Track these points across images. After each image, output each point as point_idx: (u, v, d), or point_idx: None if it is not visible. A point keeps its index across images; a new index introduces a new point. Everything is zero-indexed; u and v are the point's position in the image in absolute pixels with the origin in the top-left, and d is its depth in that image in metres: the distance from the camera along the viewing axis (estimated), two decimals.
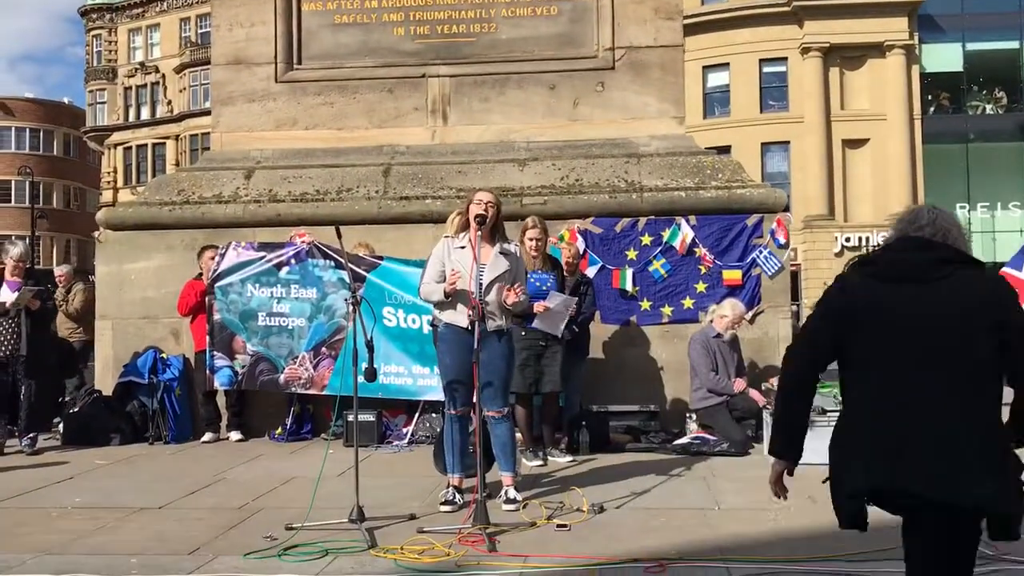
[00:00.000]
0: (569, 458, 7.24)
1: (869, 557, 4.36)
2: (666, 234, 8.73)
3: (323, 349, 8.45)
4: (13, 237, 35.95)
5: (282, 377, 8.50)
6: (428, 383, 8.09)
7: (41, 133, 58.61)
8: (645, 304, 8.75)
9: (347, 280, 6.80)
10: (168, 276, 9.10)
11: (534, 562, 4.44)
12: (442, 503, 5.62)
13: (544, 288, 6.93)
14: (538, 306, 6.84)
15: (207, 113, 33.65)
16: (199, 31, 49.01)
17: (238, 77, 9.89)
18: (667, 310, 8.73)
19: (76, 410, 8.82)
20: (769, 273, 8.67)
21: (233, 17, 9.92)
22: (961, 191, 34.65)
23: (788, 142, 35.71)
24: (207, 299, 8.57)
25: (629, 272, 8.72)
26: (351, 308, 5.43)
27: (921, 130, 35.09)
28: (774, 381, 7.53)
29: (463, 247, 5.67)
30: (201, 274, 8.74)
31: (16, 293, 8.06)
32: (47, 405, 8.83)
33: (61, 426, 8.82)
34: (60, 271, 10.76)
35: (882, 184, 34.14)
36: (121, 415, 8.65)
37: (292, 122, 9.80)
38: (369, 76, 9.73)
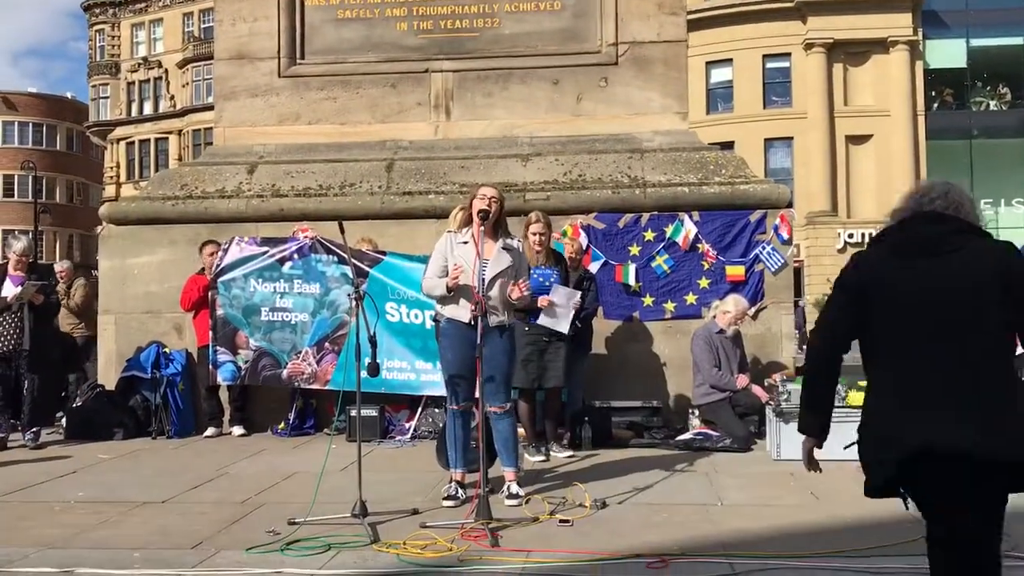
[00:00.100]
0: (568, 454, 7.24)
1: (871, 553, 4.37)
2: (669, 230, 8.72)
3: (326, 344, 8.45)
4: (16, 232, 35.98)
5: (285, 372, 8.51)
6: (431, 378, 8.09)
7: (44, 128, 58.61)
8: (648, 300, 8.74)
9: (350, 275, 6.80)
10: (171, 271, 9.10)
11: (536, 557, 4.44)
12: (444, 498, 5.62)
13: (547, 284, 6.93)
14: (542, 300, 6.84)
15: (210, 108, 33.62)
16: (202, 26, 48.99)
17: (241, 72, 9.88)
18: (670, 306, 8.73)
19: (79, 404, 8.83)
20: (772, 269, 8.66)
21: (236, 12, 9.91)
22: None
23: (791, 138, 35.67)
24: (210, 294, 8.57)
25: (632, 268, 8.72)
26: (354, 303, 5.43)
27: (925, 126, 35.04)
28: (777, 377, 7.54)
29: (466, 242, 5.67)
30: (203, 269, 8.75)
31: (19, 288, 8.06)
32: (50, 399, 8.85)
33: (64, 420, 8.83)
34: (60, 267, 10.77)
35: (885, 180, 34.07)
36: (124, 409, 8.66)
37: (295, 117, 9.79)
38: (372, 71, 9.72)
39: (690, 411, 8.10)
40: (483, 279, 5.51)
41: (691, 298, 8.70)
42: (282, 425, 8.60)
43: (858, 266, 3.13)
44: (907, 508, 3.09)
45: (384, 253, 8.47)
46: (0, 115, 57.60)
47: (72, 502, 5.89)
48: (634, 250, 8.76)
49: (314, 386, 8.50)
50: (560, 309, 6.96)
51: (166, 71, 51.24)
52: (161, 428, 8.59)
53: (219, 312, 8.57)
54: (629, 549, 4.52)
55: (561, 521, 5.11)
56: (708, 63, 36.02)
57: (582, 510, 5.36)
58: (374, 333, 5.33)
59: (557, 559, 4.41)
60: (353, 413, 7.31)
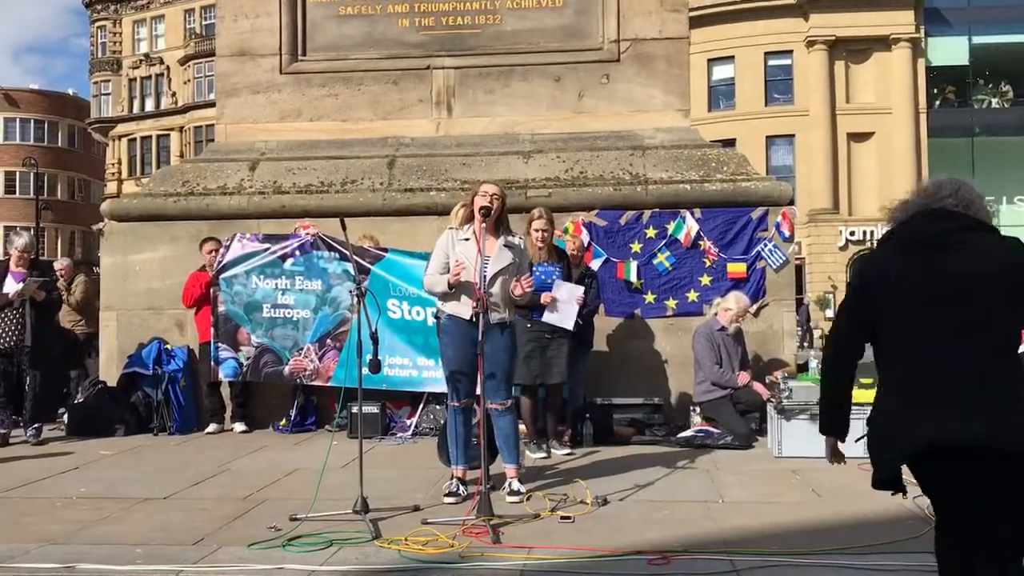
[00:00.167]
0: (566, 451, 7.23)
1: (873, 550, 4.37)
2: (671, 227, 8.72)
3: (328, 341, 8.46)
4: (18, 228, 36.01)
5: (287, 369, 8.51)
6: (432, 375, 8.09)
7: (46, 124, 58.62)
8: (649, 297, 8.74)
9: (352, 272, 6.80)
10: (173, 267, 9.10)
11: (538, 554, 4.44)
12: (446, 495, 5.62)
13: (549, 281, 6.93)
14: (545, 297, 6.84)
15: (211, 105, 33.63)
16: (204, 23, 48.98)
17: (243, 68, 9.88)
18: (671, 303, 8.72)
19: (81, 401, 8.84)
20: (774, 266, 8.65)
21: (238, 8, 9.90)
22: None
23: (793, 135, 35.66)
24: (212, 291, 8.58)
25: (633, 265, 8.71)
26: (356, 300, 5.43)
27: (926, 124, 34.99)
28: (778, 374, 7.55)
29: (467, 239, 5.67)
30: (205, 266, 8.75)
31: (21, 284, 8.07)
32: (52, 396, 8.85)
33: (65, 417, 8.84)
34: (60, 265, 10.76)
35: (887, 178, 34.04)
36: (126, 406, 8.66)
37: (297, 114, 9.79)
38: (374, 68, 9.72)
39: (691, 408, 8.10)
40: (484, 276, 5.51)
41: (693, 295, 8.70)
42: (283, 421, 8.61)
43: (866, 267, 3.17)
44: (904, 496, 3.13)
45: (385, 250, 8.48)
46: (2, 111, 57.63)
47: (74, 498, 5.90)
48: (636, 247, 8.76)
49: (316, 382, 8.50)
50: (564, 305, 6.96)
51: (168, 68, 51.23)
52: (163, 424, 8.60)
53: (221, 309, 8.58)
54: (630, 546, 4.52)
55: (562, 518, 5.11)
56: (710, 60, 35.99)
57: (583, 507, 5.36)
58: (376, 330, 5.33)
59: (558, 556, 4.41)
60: (354, 410, 7.32)
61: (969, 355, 2.90)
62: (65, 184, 58.91)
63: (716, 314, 8.02)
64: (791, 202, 9.06)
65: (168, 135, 50.55)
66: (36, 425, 8.20)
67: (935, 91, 36.20)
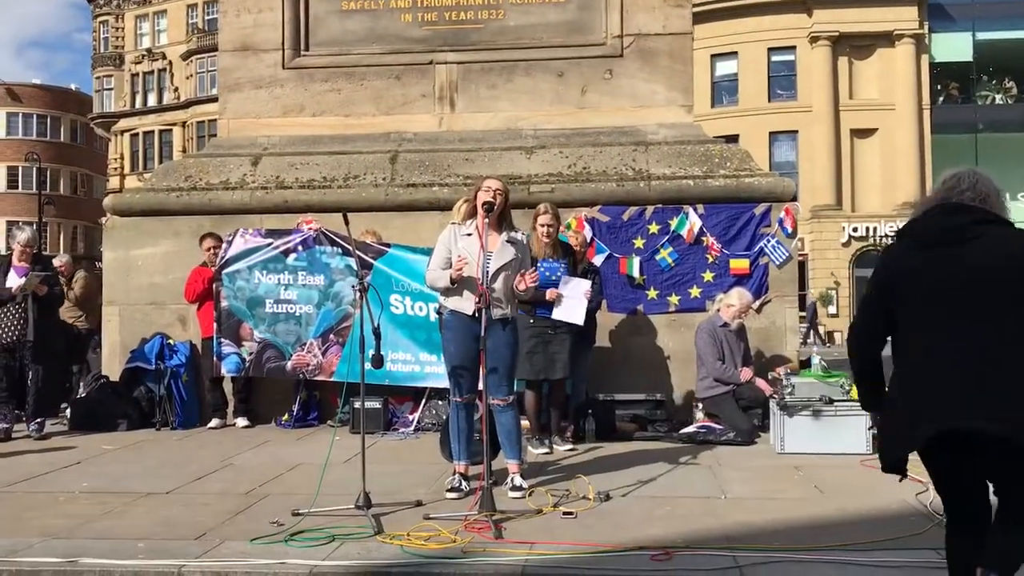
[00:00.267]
0: (568, 447, 7.23)
1: (875, 546, 4.37)
2: (674, 223, 8.71)
3: (331, 336, 8.46)
4: (20, 223, 36.00)
5: (289, 364, 8.51)
6: (434, 370, 8.09)
7: (48, 119, 58.62)
8: (652, 293, 8.73)
9: (354, 267, 6.80)
10: (175, 262, 9.11)
11: (540, 549, 4.44)
12: (448, 490, 5.62)
13: (553, 278, 6.91)
14: (550, 293, 6.83)
15: (214, 100, 33.57)
16: (206, 17, 49.00)
17: (245, 63, 9.87)
18: (674, 299, 8.72)
19: (83, 396, 8.84)
20: (777, 262, 8.65)
21: (241, 3, 9.89)
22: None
23: (796, 131, 35.62)
24: (214, 286, 8.58)
25: (636, 261, 8.70)
26: (358, 295, 5.42)
27: (930, 120, 34.96)
28: (781, 370, 7.55)
29: (470, 234, 5.66)
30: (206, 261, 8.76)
31: (23, 279, 8.07)
32: (54, 390, 8.86)
33: (68, 411, 8.84)
34: (60, 261, 10.73)
35: (890, 174, 34.04)
36: (128, 401, 8.67)
37: (299, 109, 9.79)
38: (376, 63, 9.71)
39: (694, 404, 8.10)
40: (487, 271, 5.50)
41: (695, 291, 8.69)
42: (286, 417, 8.61)
43: (884, 262, 3.26)
44: (903, 479, 3.25)
45: (388, 245, 8.47)
46: (4, 106, 57.64)
47: (76, 493, 5.90)
48: (638, 243, 8.75)
49: (319, 378, 8.51)
50: (572, 300, 6.96)
51: (170, 63, 51.24)
52: (165, 419, 8.60)
53: (223, 304, 8.58)
54: (633, 541, 4.51)
55: (565, 513, 5.11)
56: (713, 56, 35.96)
57: (586, 502, 5.36)
58: (378, 325, 5.33)
59: (561, 551, 4.41)
60: (357, 405, 7.32)
61: (983, 347, 2.95)
62: (68, 179, 58.92)
63: (719, 310, 8.01)
64: (794, 198, 9.05)
65: (170, 130, 50.57)
66: (39, 420, 8.21)
67: (939, 87, 36.15)
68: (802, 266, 30.34)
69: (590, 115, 9.45)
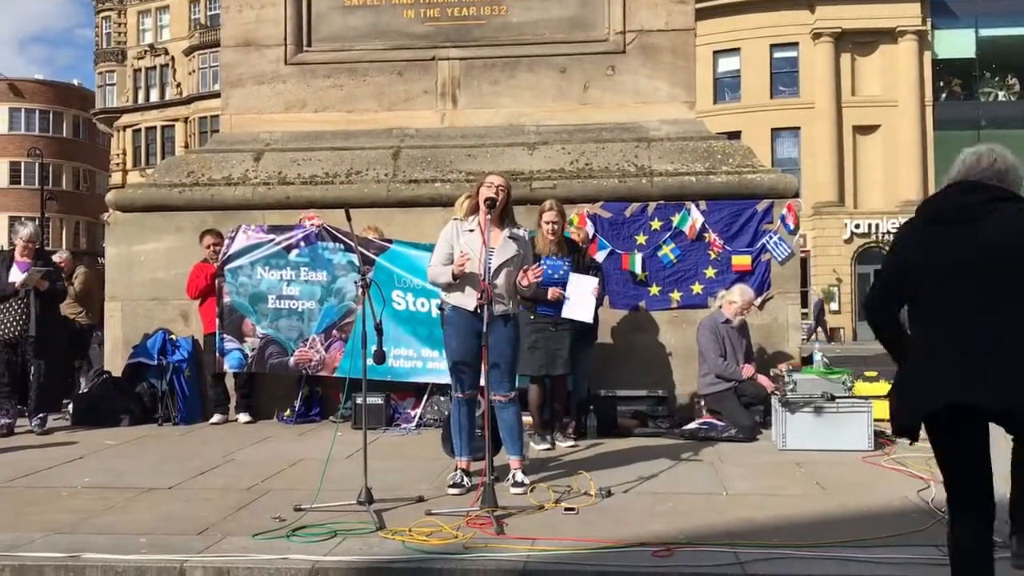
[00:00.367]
0: (570, 443, 7.23)
1: (876, 543, 4.37)
2: (676, 219, 8.70)
3: (334, 331, 8.47)
4: (23, 218, 36.02)
5: (292, 360, 8.52)
6: (436, 366, 8.10)
7: (51, 115, 58.67)
8: (654, 289, 8.73)
9: (357, 263, 6.80)
10: (177, 258, 9.11)
11: (541, 545, 4.44)
12: (450, 486, 5.62)
13: (556, 276, 6.90)
14: (552, 292, 6.82)
15: (216, 95, 33.55)
16: (208, 13, 48.94)
17: (248, 59, 9.87)
18: (676, 295, 8.72)
19: (85, 391, 8.85)
20: (779, 259, 8.64)
21: None
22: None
23: (798, 128, 35.57)
24: (217, 282, 8.59)
25: (638, 257, 8.70)
26: (361, 291, 5.42)
27: (932, 117, 34.89)
28: (783, 367, 7.54)
29: (472, 230, 5.66)
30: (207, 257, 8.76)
31: (25, 274, 8.08)
32: (56, 385, 8.87)
33: (71, 407, 8.85)
34: (59, 257, 10.73)
35: (892, 171, 33.99)
36: (130, 396, 8.68)
37: (301, 104, 9.78)
38: (379, 59, 9.70)
39: (695, 401, 8.10)
40: (489, 267, 5.49)
41: (697, 288, 8.69)
42: (288, 412, 8.62)
43: (901, 236, 3.39)
44: (913, 443, 3.37)
45: (390, 241, 8.48)
46: (7, 102, 57.66)
47: (79, 488, 5.91)
48: (641, 239, 8.75)
49: (322, 373, 8.52)
50: (580, 298, 6.95)
51: (172, 58, 51.24)
52: (167, 415, 8.61)
53: (226, 300, 8.58)
54: (634, 538, 4.52)
55: (566, 509, 5.11)
56: (715, 52, 35.91)
57: (587, 498, 5.36)
58: (380, 321, 5.33)
59: (562, 547, 4.41)
60: (359, 401, 7.32)
61: (993, 323, 3.05)
62: (70, 174, 58.96)
63: (721, 307, 8.01)
64: (796, 195, 9.04)
65: (173, 126, 50.56)
66: (41, 415, 8.22)
67: (941, 84, 36.07)
68: (804, 263, 30.32)
69: (592, 111, 9.45)
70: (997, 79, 36.84)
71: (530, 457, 6.39)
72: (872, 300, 3.48)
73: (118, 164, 52.09)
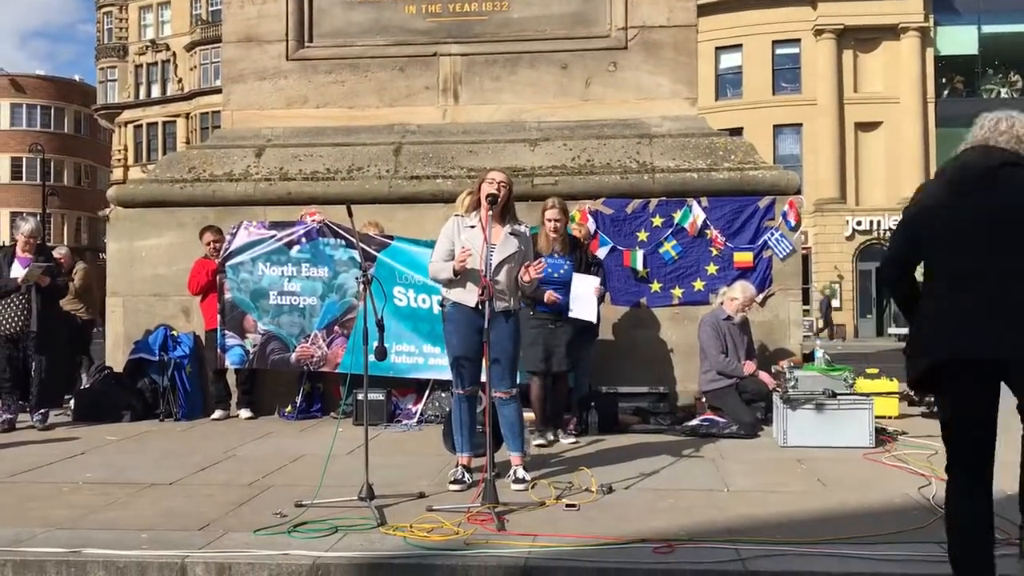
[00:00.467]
0: (571, 439, 7.24)
1: (878, 539, 4.36)
2: (677, 215, 8.70)
3: (336, 328, 8.47)
4: (24, 214, 36.06)
5: (293, 356, 8.52)
6: (437, 362, 8.10)
7: (52, 110, 58.68)
8: (655, 286, 8.72)
9: (358, 259, 6.79)
10: (179, 253, 9.11)
11: (543, 541, 4.44)
12: (451, 482, 5.62)
13: (556, 275, 6.88)
14: (548, 295, 6.78)
15: (218, 91, 33.50)
16: (210, 9, 48.90)
17: (249, 55, 9.86)
18: (677, 292, 8.71)
19: (87, 386, 8.86)
20: (781, 255, 8.64)
21: None
22: None
23: (800, 124, 35.54)
24: (218, 278, 8.59)
25: (640, 253, 8.70)
26: (362, 287, 5.42)
27: (935, 113, 34.88)
28: (784, 363, 7.53)
29: (473, 226, 5.65)
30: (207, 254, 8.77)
31: (26, 270, 8.08)
32: (58, 381, 8.87)
33: (72, 402, 8.86)
34: (59, 254, 10.71)
35: (895, 168, 33.96)
36: (132, 392, 8.69)
37: (303, 100, 9.78)
38: (380, 54, 9.70)
39: (697, 397, 8.10)
40: (490, 264, 5.49)
41: (699, 284, 8.68)
42: (289, 408, 8.63)
43: (918, 199, 3.46)
44: (932, 410, 3.49)
45: (391, 237, 8.47)
46: (8, 97, 57.69)
47: (80, 483, 5.91)
48: (642, 236, 8.74)
49: (324, 369, 8.52)
50: (583, 297, 6.94)
51: (174, 54, 51.19)
52: (169, 410, 8.62)
53: (227, 296, 8.59)
54: (635, 534, 4.52)
55: (567, 506, 5.11)
56: (717, 48, 35.88)
57: (588, 495, 5.36)
58: (382, 317, 5.33)
59: (563, 543, 4.41)
60: (360, 397, 7.32)
61: (1008, 282, 3.14)
62: (71, 170, 58.98)
63: (722, 303, 8.00)
64: (798, 191, 9.03)
65: (174, 121, 50.53)
66: (42, 410, 8.23)
67: (944, 80, 36.04)
68: (805, 260, 30.35)
69: (594, 107, 9.44)
70: (1000, 76, 36.83)
71: (531, 454, 6.39)
72: (891, 257, 3.55)
73: (119, 160, 52.07)
